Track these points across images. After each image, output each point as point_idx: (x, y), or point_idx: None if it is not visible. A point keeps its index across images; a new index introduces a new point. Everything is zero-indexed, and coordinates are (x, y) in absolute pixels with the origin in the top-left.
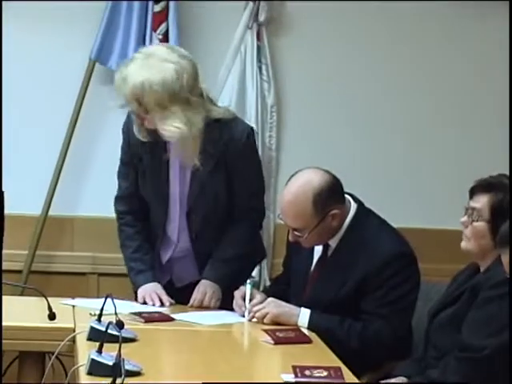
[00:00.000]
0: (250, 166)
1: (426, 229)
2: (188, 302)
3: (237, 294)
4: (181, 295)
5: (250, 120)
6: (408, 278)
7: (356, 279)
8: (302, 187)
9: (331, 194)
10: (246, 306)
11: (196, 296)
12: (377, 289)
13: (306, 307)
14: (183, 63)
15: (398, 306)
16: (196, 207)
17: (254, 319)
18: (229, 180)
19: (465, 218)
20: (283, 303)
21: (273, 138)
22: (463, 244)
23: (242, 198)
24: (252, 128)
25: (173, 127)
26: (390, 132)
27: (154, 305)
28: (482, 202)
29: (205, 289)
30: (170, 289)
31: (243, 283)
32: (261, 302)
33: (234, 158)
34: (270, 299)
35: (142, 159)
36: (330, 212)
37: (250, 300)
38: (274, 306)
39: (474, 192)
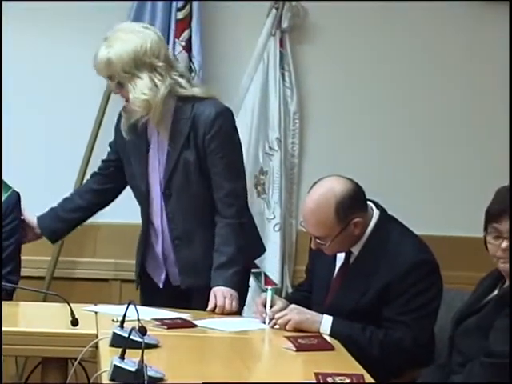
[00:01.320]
0: (224, 147)
1: (448, 236)
2: (186, 303)
3: (258, 300)
4: (180, 295)
5: (273, 127)
6: (431, 285)
7: (378, 287)
8: (324, 195)
9: (353, 202)
10: (266, 313)
11: (217, 303)
12: (399, 296)
13: (327, 314)
14: (147, 32)
15: (420, 313)
16: (170, 185)
17: (276, 326)
18: (199, 157)
19: (504, 244)
20: (305, 310)
21: (295, 145)
22: (505, 266)
23: (219, 182)
24: (227, 108)
25: (140, 94)
26: (412, 139)
27: None
28: (504, 224)
29: (222, 294)
30: (169, 290)
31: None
32: (282, 309)
33: (202, 136)
34: (292, 306)
35: (124, 147)
36: (353, 220)
37: (271, 306)
38: (296, 313)
39: (497, 215)
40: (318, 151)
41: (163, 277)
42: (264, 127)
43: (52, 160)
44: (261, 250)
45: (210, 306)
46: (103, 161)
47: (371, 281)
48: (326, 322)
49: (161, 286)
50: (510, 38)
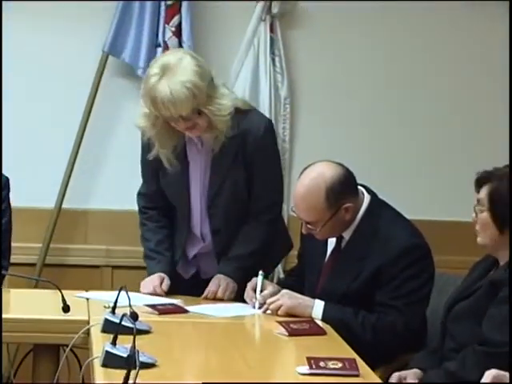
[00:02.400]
0: (269, 161)
1: (440, 221)
2: None
3: (248, 285)
4: (205, 287)
5: (264, 112)
6: (422, 270)
7: (370, 271)
8: (315, 181)
9: (344, 187)
10: (256, 297)
11: (210, 288)
12: (391, 281)
13: (319, 299)
14: (194, 55)
15: (412, 298)
16: (216, 202)
17: (268, 311)
18: (248, 175)
19: (473, 215)
20: (297, 295)
21: (286, 130)
22: (478, 239)
23: (261, 194)
24: (270, 120)
25: (226, 113)
26: (404, 124)
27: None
28: (482, 193)
29: (218, 281)
30: (196, 280)
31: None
32: (272, 293)
33: (251, 151)
34: (284, 291)
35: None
36: (343, 205)
37: (262, 291)
38: (288, 298)
39: (477, 185)
40: (309, 136)
41: (193, 271)
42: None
43: (41, 149)
44: (289, 247)
45: (205, 292)
46: (146, 194)
47: (363, 265)
48: (317, 307)
49: (186, 278)
50: (510, 38)
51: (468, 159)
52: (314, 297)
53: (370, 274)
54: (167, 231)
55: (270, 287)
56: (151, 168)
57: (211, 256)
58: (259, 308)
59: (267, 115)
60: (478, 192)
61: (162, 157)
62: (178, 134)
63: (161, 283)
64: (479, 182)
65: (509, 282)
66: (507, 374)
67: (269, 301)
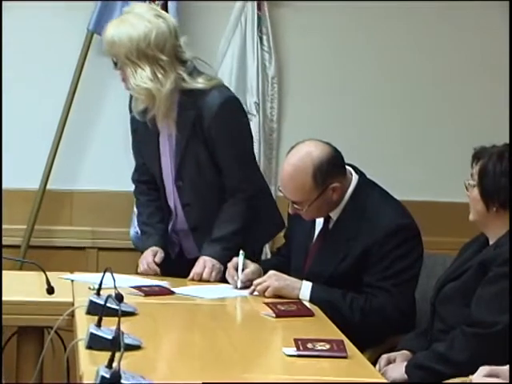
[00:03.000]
0: (230, 138)
1: (430, 201)
2: None
3: (229, 264)
4: (190, 266)
5: (251, 91)
6: (411, 250)
7: (357, 252)
8: (302, 160)
9: (331, 167)
10: (238, 276)
11: (195, 270)
12: (379, 261)
13: (306, 280)
14: (156, 22)
15: (400, 278)
16: (181, 174)
17: (255, 292)
18: (210, 150)
19: (467, 192)
20: (285, 276)
21: (274, 110)
22: (470, 216)
23: (230, 171)
24: (232, 98)
25: (142, 83)
26: (394, 103)
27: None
28: (475, 168)
29: (203, 263)
30: (181, 259)
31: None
32: (254, 272)
33: (208, 127)
34: (271, 272)
35: (137, 130)
36: (331, 185)
37: (243, 270)
38: (275, 279)
39: (472, 160)
40: (297, 116)
41: (177, 249)
42: (242, 92)
43: (26, 129)
44: (280, 226)
45: (191, 274)
46: (136, 167)
47: (350, 246)
48: (305, 289)
49: (173, 257)
50: (510, 38)
51: (460, 138)
52: (300, 278)
53: (358, 255)
54: (159, 203)
55: (252, 266)
56: (135, 140)
57: (189, 233)
58: (241, 288)
59: (254, 95)
60: (473, 167)
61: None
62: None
63: (154, 257)
64: (474, 157)
65: (509, 258)
66: (504, 369)
67: (255, 282)
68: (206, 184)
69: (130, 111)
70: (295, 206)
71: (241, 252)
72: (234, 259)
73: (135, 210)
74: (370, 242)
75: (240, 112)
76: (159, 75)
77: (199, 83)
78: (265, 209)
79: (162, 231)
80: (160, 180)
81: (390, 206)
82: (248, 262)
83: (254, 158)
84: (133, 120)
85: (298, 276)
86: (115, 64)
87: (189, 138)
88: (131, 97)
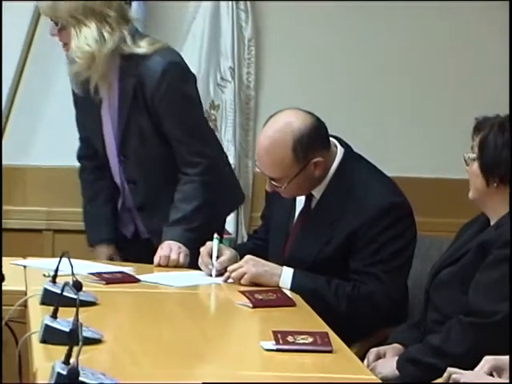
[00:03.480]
0: (177, 106)
1: (425, 178)
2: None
3: (202, 250)
4: (149, 247)
5: (226, 55)
6: (403, 232)
7: (343, 235)
8: (281, 132)
9: (314, 139)
10: (213, 263)
11: (161, 253)
12: (368, 245)
13: (286, 266)
14: None
15: (392, 263)
16: (125, 148)
17: (230, 280)
18: (154, 119)
19: (467, 167)
20: (263, 261)
21: (251, 76)
22: (469, 194)
23: (179, 144)
24: (177, 62)
25: (85, 45)
26: (383, 69)
27: None
28: (475, 140)
29: (169, 245)
30: (138, 239)
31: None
32: (230, 259)
33: (151, 95)
34: (248, 257)
35: (78, 101)
36: (313, 160)
37: (218, 257)
38: (252, 265)
39: (473, 132)
40: (277, 82)
41: (132, 229)
42: (215, 55)
43: None
44: (239, 200)
45: (156, 259)
46: (80, 141)
47: (335, 228)
48: (286, 275)
49: (128, 237)
50: (510, 38)
51: (456, 111)
52: (280, 263)
53: (344, 238)
54: (104, 183)
55: (228, 252)
56: (77, 112)
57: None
58: (216, 276)
59: (229, 59)
60: (473, 140)
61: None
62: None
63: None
64: (476, 129)
65: (510, 239)
66: (506, 358)
67: (230, 268)
68: (151, 158)
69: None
70: (273, 182)
71: (215, 236)
72: (208, 244)
73: None
74: (357, 224)
75: (185, 77)
76: (105, 33)
77: (141, 47)
78: (223, 184)
79: (108, 215)
80: (103, 155)
81: (378, 183)
82: (223, 247)
83: (207, 127)
84: (73, 90)
85: (278, 261)
86: (56, 24)
87: (130, 109)
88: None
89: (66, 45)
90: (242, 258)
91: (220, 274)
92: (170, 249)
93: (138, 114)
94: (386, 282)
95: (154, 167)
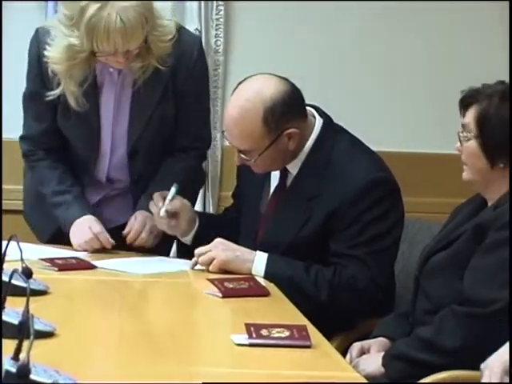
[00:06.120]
0: (201, 89)
1: (412, 153)
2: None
3: (157, 193)
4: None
5: (192, 16)
6: (388, 211)
7: (322, 214)
8: (249, 100)
9: (287, 108)
10: (164, 204)
11: (133, 225)
12: (349, 225)
13: (260, 251)
14: None
15: (376, 245)
16: (138, 147)
17: (198, 266)
18: (177, 109)
19: (457, 145)
20: (234, 246)
21: (220, 38)
22: (463, 174)
23: (189, 128)
24: (201, 39)
25: (169, 38)
26: (368, 32)
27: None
28: (468, 116)
29: (144, 219)
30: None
31: None
32: (183, 207)
33: (184, 79)
34: (218, 240)
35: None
36: (286, 131)
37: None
38: (222, 250)
39: (461, 107)
40: (249, 46)
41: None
42: (179, 16)
43: None
44: (203, 180)
45: (127, 229)
46: (33, 136)
47: (313, 206)
48: (259, 261)
49: None
50: (510, 38)
51: (447, 77)
52: (253, 247)
53: (323, 218)
54: (65, 167)
55: (183, 200)
56: (44, 102)
57: (120, 199)
58: (162, 217)
59: (195, 21)
60: (464, 116)
61: (70, 96)
62: (91, 65)
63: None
64: (464, 103)
65: (509, 220)
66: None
67: (197, 251)
68: (161, 152)
69: (38, 71)
70: (242, 156)
71: (174, 184)
72: (164, 192)
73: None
74: (337, 201)
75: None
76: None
77: (172, 29)
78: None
79: (80, 195)
80: (94, 151)
81: (361, 157)
82: (179, 197)
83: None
84: (49, 81)
85: (249, 245)
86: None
87: (159, 100)
88: (37, 56)
89: (128, 59)
90: (201, 225)
91: (167, 216)
92: (144, 223)
93: (165, 103)
94: (370, 266)
95: (160, 159)
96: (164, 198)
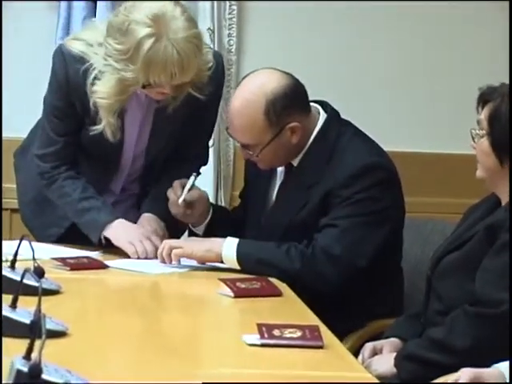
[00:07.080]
0: (216, 107)
1: (425, 153)
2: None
3: (177, 181)
4: None
5: (205, 15)
6: (384, 192)
7: (319, 197)
8: (252, 93)
9: (289, 101)
10: (183, 193)
11: (144, 243)
12: (340, 203)
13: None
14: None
15: (365, 218)
16: (157, 158)
17: (164, 251)
18: (190, 116)
19: (472, 142)
20: (204, 238)
21: (232, 38)
22: (477, 172)
23: (198, 139)
24: (223, 60)
25: (209, 66)
26: (377, 34)
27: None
28: (483, 113)
29: (149, 223)
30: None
31: None
32: (200, 199)
33: (205, 104)
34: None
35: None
36: (288, 125)
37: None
38: (192, 240)
39: (478, 104)
40: (261, 45)
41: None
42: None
43: None
44: None
45: (139, 248)
46: (56, 152)
47: (312, 192)
48: (229, 244)
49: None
50: (510, 38)
51: (458, 78)
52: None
53: (318, 201)
54: (85, 179)
55: (202, 191)
56: (70, 119)
57: (128, 204)
58: (182, 204)
59: (208, 20)
60: (480, 112)
61: (107, 128)
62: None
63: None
64: (481, 100)
65: (509, 223)
66: (487, 372)
67: (160, 243)
68: (175, 152)
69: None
70: (246, 150)
71: (194, 174)
72: (183, 180)
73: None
74: (332, 184)
75: None
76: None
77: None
78: None
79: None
80: (113, 166)
81: (360, 144)
82: (197, 188)
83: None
84: (75, 96)
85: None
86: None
87: (185, 121)
88: (65, 72)
89: (176, 91)
90: (214, 217)
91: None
92: (155, 236)
93: (183, 107)
94: (350, 235)
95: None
96: (183, 187)
